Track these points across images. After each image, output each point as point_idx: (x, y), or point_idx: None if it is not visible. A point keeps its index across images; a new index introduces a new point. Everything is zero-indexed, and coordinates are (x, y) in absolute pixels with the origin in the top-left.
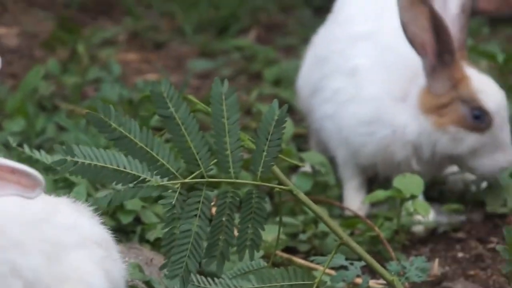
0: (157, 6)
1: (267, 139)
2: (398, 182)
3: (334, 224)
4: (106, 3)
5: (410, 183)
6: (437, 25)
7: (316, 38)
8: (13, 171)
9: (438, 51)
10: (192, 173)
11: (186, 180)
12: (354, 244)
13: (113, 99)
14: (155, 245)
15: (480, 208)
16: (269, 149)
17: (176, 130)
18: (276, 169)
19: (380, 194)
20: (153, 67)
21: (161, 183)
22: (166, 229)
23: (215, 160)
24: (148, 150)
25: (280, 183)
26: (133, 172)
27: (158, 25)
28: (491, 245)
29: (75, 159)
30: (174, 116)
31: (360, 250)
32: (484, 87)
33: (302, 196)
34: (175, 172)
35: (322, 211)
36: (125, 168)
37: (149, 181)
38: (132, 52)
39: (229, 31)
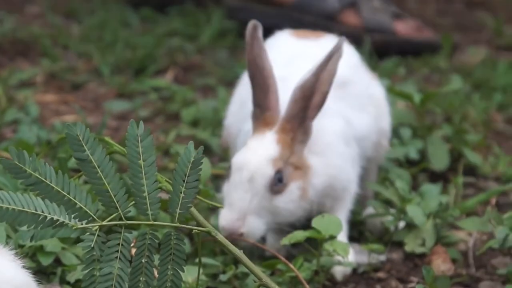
0: (74, 47)
1: (183, 180)
2: (317, 222)
3: (253, 265)
4: (23, 44)
5: (329, 224)
6: (253, 75)
7: (244, 78)
8: None
9: (253, 100)
10: (111, 215)
11: (104, 223)
12: (273, 285)
13: (31, 141)
14: (76, 286)
15: (399, 248)
16: (186, 190)
17: (93, 173)
18: (194, 210)
19: (299, 234)
20: (71, 108)
21: (79, 226)
22: (86, 271)
23: (133, 202)
24: (65, 193)
25: (199, 224)
26: (51, 216)
27: (75, 66)
28: (411, 285)
29: None
30: (90, 159)
31: None
32: (243, 149)
33: (221, 237)
34: (92, 215)
35: (241, 252)
36: (43, 211)
37: (67, 224)
38: (49, 93)
39: (147, 72)
